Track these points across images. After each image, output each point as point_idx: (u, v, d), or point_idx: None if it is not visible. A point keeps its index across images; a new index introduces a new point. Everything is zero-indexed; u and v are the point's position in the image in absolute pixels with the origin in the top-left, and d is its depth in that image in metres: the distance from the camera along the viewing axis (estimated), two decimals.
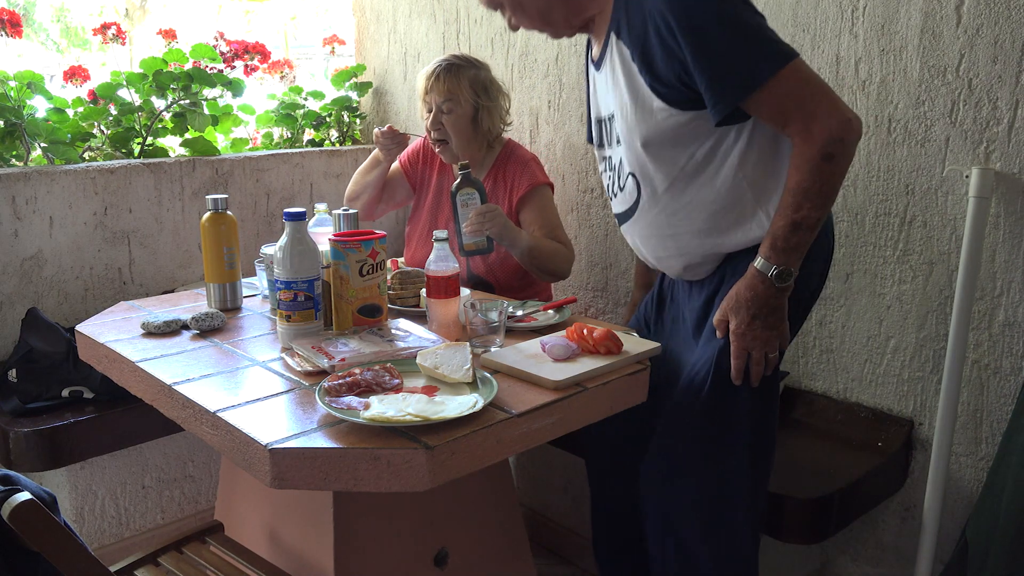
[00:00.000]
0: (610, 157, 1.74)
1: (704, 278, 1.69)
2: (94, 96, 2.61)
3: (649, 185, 1.64)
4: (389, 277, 1.94)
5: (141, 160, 2.59)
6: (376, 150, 2.42)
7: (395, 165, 2.52)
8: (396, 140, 2.36)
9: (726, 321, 1.56)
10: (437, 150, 2.36)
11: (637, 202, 1.68)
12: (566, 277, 2.30)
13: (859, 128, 1.46)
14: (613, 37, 1.60)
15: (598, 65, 1.70)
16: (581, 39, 2.51)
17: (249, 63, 2.91)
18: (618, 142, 1.68)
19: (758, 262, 1.50)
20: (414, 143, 2.52)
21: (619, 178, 1.72)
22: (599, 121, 1.76)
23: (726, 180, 1.57)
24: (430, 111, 2.30)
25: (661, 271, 1.82)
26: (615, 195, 1.76)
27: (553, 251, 2.22)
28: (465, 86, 2.26)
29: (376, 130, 2.36)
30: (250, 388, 1.49)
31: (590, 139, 1.90)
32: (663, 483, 1.66)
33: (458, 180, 2.06)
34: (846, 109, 1.45)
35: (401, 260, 2.46)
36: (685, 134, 1.56)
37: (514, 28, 1.73)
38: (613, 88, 1.64)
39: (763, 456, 1.65)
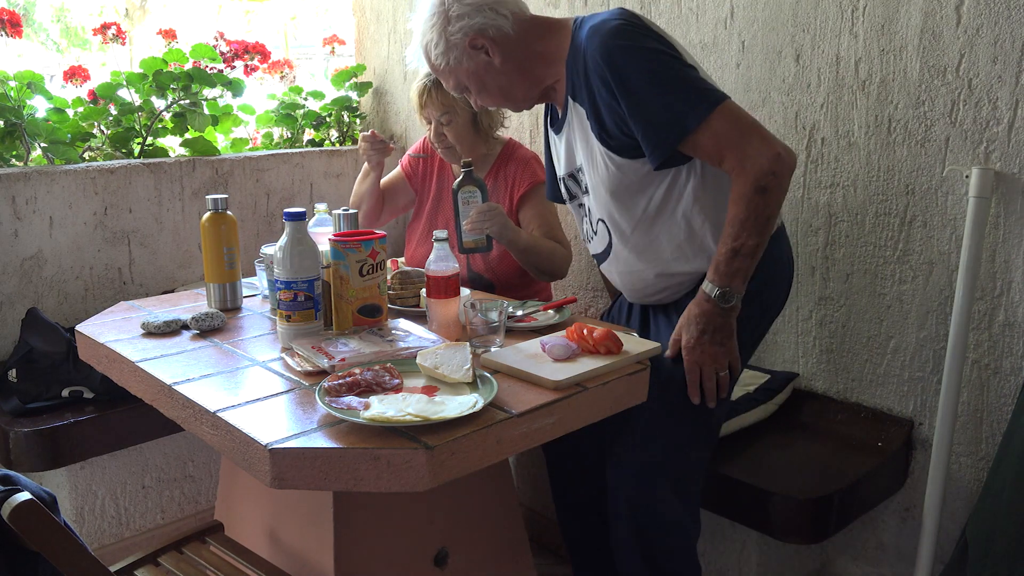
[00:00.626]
0: (583, 205, 1.87)
1: (680, 299, 1.80)
2: (94, 96, 2.61)
3: (617, 228, 1.78)
4: (389, 277, 1.94)
5: (141, 160, 2.59)
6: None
7: (397, 170, 2.52)
8: (376, 147, 2.34)
9: (679, 339, 1.67)
10: (446, 158, 2.37)
11: (610, 244, 1.82)
12: (563, 277, 2.31)
13: (791, 160, 1.56)
14: (570, 100, 1.73)
15: (558, 129, 1.84)
16: None
17: (249, 63, 2.91)
18: (586, 191, 1.82)
19: (704, 284, 1.62)
20: (414, 144, 2.52)
21: (592, 223, 1.86)
22: (569, 176, 1.87)
23: (685, 214, 1.70)
24: (429, 123, 2.30)
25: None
26: (590, 239, 1.90)
27: (551, 251, 2.22)
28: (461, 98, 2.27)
29: (361, 135, 2.35)
30: (250, 388, 1.49)
31: (551, 196, 2.06)
32: (636, 482, 1.74)
33: (460, 178, 2.05)
34: (776, 143, 1.55)
35: (401, 260, 2.46)
36: (640, 180, 1.69)
37: (479, 108, 1.87)
38: (577, 145, 1.78)
39: (710, 451, 1.82)
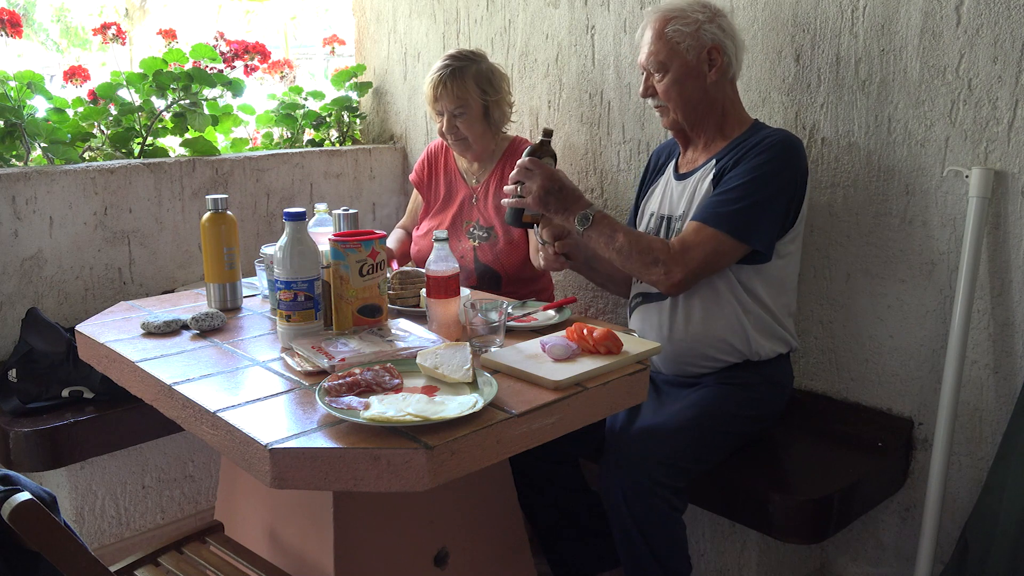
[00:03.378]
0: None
1: (700, 375, 1.93)
2: (94, 96, 2.61)
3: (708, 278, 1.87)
4: (390, 277, 1.94)
5: (141, 160, 2.59)
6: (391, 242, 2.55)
7: (414, 191, 2.60)
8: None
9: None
10: (457, 150, 2.40)
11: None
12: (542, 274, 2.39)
13: (671, 289, 1.81)
14: (713, 162, 1.90)
15: (681, 177, 1.98)
16: (581, 41, 2.52)
17: (249, 63, 2.91)
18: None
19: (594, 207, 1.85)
20: (420, 156, 2.58)
21: None
22: (664, 218, 1.99)
23: (743, 302, 1.87)
24: (441, 115, 2.32)
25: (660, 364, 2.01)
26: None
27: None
28: (471, 86, 2.30)
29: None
30: (250, 388, 1.49)
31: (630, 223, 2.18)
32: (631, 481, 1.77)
33: (536, 145, 1.95)
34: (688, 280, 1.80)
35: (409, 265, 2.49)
36: None
37: (648, 94, 1.94)
38: (686, 197, 1.92)
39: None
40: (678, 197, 1.97)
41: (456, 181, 2.48)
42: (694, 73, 1.88)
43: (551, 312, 1.89)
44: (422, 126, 3.11)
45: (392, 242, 2.59)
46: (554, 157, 1.96)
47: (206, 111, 2.74)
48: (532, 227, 1.97)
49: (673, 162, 2.06)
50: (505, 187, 1.93)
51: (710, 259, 1.78)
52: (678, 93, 1.90)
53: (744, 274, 1.86)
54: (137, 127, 2.68)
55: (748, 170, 1.80)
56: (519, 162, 1.89)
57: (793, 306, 1.97)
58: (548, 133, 1.95)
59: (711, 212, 1.79)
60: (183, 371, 1.57)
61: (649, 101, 1.98)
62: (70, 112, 2.58)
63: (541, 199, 1.84)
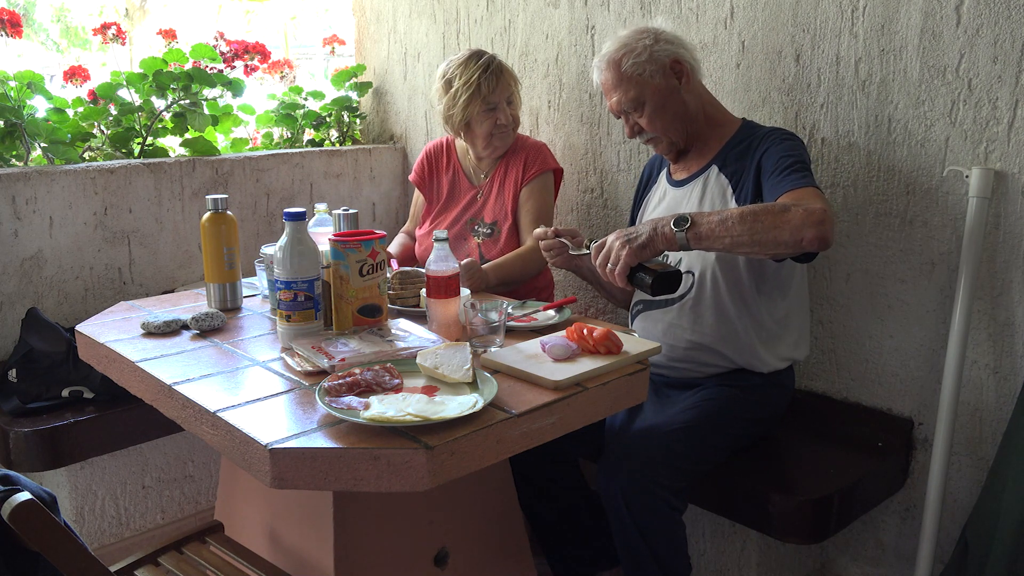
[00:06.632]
0: (667, 254, 1.92)
1: (700, 379, 1.93)
2: (94, 96, 2.61)
3: (716, 287, 1.87)
4: (390, 277, 1.94)
5: (141, 160, 2.59)
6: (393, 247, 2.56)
7: (416, 192, 2.59)
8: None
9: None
10: (503, 141, 2.38)
11: (682, 296, 1.90)
12: (541, 271, 2.37)
13: (829, 225, 1.59)
14: (715, 168, 1.92)
15: (679, 184, 2.00)
16: (581, 41, 2.52)
17: (249, 63, 2.91)
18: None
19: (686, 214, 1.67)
20: (418, 157, 2.58)
21: None
22: None
23: (772, 312, 1.88)
24: (493, 109, 2.31)
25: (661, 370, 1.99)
26: None
27: (522, 263, 2.28)
28: (512, 75, 2.36)
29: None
30: (250, 388, 1.49)
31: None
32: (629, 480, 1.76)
33: (585, 249, 1.87)
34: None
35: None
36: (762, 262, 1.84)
37: (634, 131, 1.96)
38: (697, 205, 1.91)
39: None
40: (677, 203, 1.97)
41: (460, 179, 2.48)
42: (668, 92, 1.90)
43: (551, 312, 1.89)
44: (422, 126, 3.11)
45: (394, 247, 2.58)
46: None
47: (206, 111, 2.74)
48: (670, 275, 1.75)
49: (665, 170, 2.07)
50: (615, 280, 1.72)
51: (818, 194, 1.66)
52: (662, 118, 1.92)
53: (756, 285, 1.86)
54: (137, 127, 2.68)
55: (786, 149, 1.78)
56: (598, 264, 1.73)
57: (805, 317, 1.97)
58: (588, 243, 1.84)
59: (790, 179, 1.70)
60: (183, 371, 1.57)
61: (637, 139, 2.00)
62: (70, 112, 2.58)
63: (628, 243, 1.66)
